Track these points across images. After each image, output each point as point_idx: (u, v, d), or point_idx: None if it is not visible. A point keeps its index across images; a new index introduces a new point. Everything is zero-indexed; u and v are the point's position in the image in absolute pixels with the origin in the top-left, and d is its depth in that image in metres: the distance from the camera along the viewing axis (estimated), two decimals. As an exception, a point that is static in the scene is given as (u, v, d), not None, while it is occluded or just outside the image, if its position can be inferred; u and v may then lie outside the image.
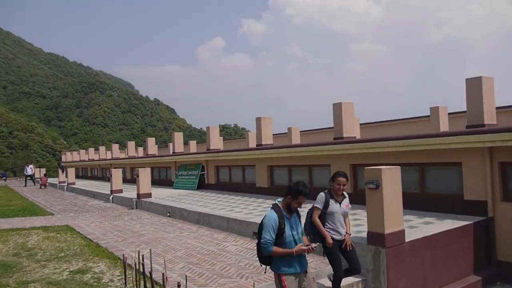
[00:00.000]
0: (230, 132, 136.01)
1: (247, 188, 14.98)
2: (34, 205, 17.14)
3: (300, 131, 20.79)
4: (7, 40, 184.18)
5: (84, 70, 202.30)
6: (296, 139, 19.47)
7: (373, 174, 5.96)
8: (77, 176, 31.55)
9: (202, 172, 18.04)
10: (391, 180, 5.96)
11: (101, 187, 23.26)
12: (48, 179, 32.03)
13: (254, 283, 4.54)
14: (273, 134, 15.77)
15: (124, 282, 4.50)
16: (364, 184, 6.10)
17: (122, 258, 7.14)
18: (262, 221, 3.97)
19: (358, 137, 12.68)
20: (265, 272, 4.59)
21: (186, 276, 4.17)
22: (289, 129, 20.19)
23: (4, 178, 45.89)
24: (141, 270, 4.71)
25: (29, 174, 32.97)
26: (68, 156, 44.60)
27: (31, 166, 34.16)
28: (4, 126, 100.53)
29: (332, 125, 11.84)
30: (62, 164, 36.15)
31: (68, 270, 6.62)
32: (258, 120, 14.89)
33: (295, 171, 12.94)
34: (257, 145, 15.01)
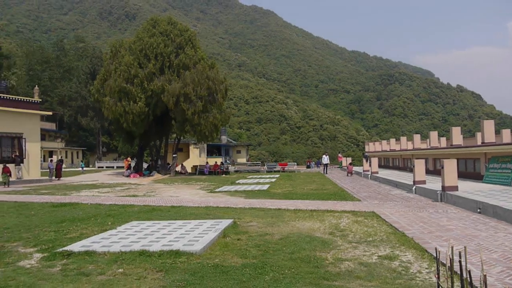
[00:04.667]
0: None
1: None
2: (343, 191, 18.87)
3: None
4: (317, 44, 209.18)
5: (384, 63, 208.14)
6: None
7: None
8: (379, 166, 32.78)
9: (520, 166, 15.55)
10: None
11: (403, 177, 23.40)
12: (353, 167, 34.61)
13: None
14: None
15: (437, 276, 4.35)
16: None
17: (429, 251, 6.96)
18: None
19: None
20: None
21: None
22: None
23: (318, 165, 52.39)
24: (454, 267, 4.44)
25: (326, 162, 36.43)
26: (370, 146, 47.01)
27: (327, 156, 37.54)
28: (316, 120, 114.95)
29: None
30: (366, 154, 38.38)
31: (376, 254, 6.94)
32: None
33: None
34: None
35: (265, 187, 21.49)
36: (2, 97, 27.72)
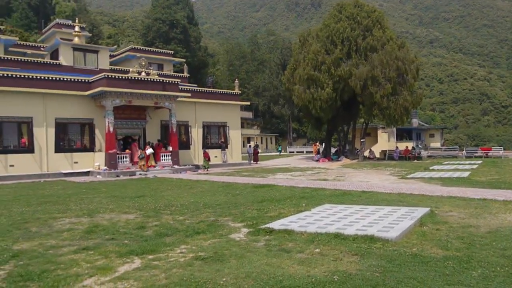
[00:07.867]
0: None
1: None
2: None
3: None
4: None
5: None
6: None
7: None
8: None
9: None
10: None
11: None
12: None
13: None
14: None
15: None
16: None
17: None
18: None
19: None
20: None
21: None
22: None
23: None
24: None
25: None
26: None
27: None
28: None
29: None
30: None
31: None
32: None
33: None
34: None
35: (465, 174, 19.45)
36: (210, 91, 31.87)
